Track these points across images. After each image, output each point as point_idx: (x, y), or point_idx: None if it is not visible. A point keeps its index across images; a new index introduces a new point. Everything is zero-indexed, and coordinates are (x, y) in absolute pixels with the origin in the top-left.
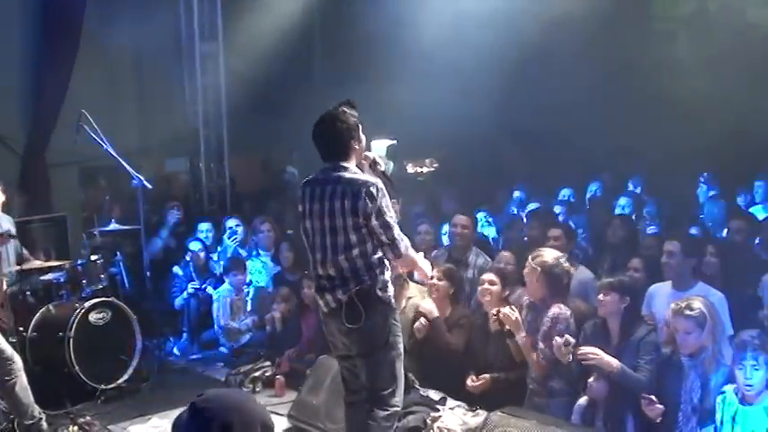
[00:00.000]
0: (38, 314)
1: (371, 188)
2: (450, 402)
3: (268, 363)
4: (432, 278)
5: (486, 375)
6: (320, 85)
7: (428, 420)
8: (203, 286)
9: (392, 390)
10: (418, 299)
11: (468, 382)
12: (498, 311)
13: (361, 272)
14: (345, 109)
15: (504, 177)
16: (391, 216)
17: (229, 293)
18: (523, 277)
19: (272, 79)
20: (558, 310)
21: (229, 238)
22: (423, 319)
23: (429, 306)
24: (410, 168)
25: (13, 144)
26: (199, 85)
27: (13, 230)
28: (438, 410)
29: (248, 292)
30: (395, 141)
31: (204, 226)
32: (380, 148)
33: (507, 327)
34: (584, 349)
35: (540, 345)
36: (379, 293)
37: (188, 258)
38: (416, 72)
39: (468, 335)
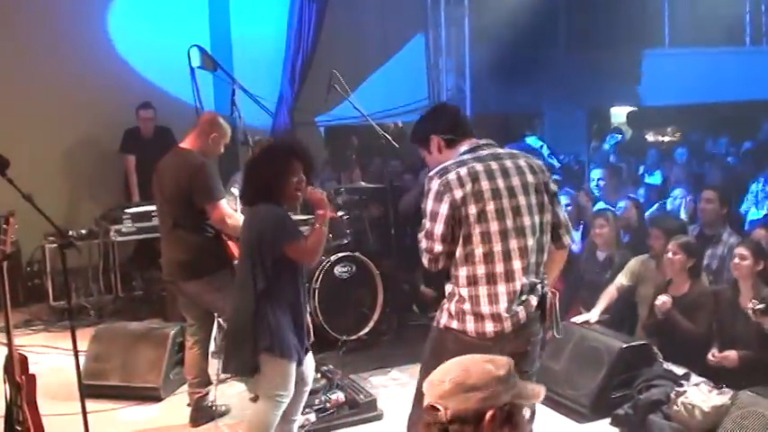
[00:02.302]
0: None
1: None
2: (695, 379)
3: None
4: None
5: (732, 352)
6: (564, 49)
7: (672, 395)
8: None
9: None
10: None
11: (710, 356)
12: (755, 310)
13: (541, 268)
14: None
15: None
16: None
17: None
18: None
19: (516, 44)
20: None
21: None
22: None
23: (664, 298)
24: (650, 137)
25: (263, 103)
26: (443, 49)
27: None
28: (682, 386)
29: None
30: (635, 108)
31: None
32: (620, 114)
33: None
34: None
35: None
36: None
37: None
38: (665, 36)
39: (710, 313)
